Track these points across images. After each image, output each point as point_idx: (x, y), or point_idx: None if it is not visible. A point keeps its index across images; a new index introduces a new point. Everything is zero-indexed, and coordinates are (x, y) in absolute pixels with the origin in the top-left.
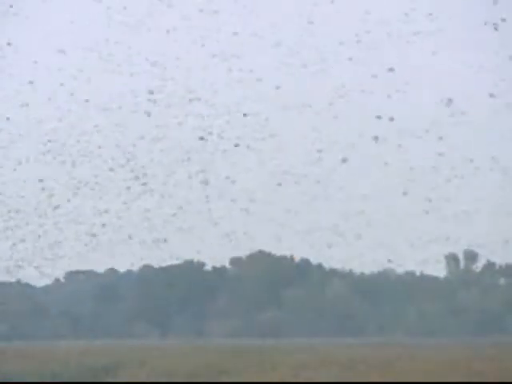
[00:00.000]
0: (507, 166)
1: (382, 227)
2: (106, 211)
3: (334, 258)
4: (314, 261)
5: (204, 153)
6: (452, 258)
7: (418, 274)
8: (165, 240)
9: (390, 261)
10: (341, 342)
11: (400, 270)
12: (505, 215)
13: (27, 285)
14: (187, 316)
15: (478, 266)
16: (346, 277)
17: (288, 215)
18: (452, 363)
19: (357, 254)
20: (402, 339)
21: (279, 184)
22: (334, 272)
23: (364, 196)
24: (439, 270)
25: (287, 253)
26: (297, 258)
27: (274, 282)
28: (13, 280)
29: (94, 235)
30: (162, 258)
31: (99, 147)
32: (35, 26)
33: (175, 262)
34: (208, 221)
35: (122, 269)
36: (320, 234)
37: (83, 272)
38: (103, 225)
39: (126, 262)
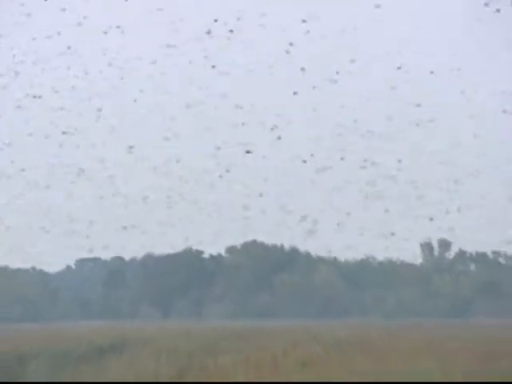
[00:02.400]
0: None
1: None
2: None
3: (320, 246)
4: (301, 249)
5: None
6: (427, 247)
7: (396, 261)
8: (166, 230)
9: (371, 249)
10: (327, 323)
11: (380, 258)
12: (476, 207)
13: (41, 271)
14: (187, 300)
15: (451, 253)
16: (332, 264)
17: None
18: (428, 342)
19: (341, 243)
20: (382, 320)
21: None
22: (320, 259)
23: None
24: (415, 258)
25: (278, 242)
26: (286, 247)
27: (266, 269)
28: (28, 267)
29: (102, 225)
30: (163, 247)
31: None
32: None
33: (176, 250)
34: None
35: (127, 257)
36: (307, 223)
37: (92, 259)
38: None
39: (131, 250)
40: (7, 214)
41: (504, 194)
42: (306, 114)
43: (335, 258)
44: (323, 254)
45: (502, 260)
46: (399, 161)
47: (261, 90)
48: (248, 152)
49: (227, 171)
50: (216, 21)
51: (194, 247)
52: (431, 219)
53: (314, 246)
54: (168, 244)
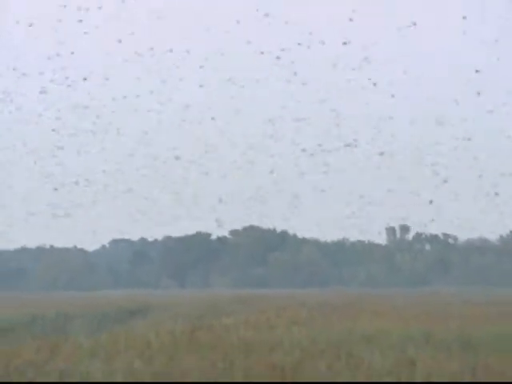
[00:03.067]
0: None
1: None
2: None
3: (305, 228)
4: (290, 231)
5: None
6: (391, 230)
7: (366, 242)
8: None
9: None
10: (311, 292)
11: (353, 239)
12: (429, 194)
13: (82, 249)
14: (199, 272)
15: (410, 236)
16: (315, 244)
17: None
18: (392, 307)
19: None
20: (355, 290)
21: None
22: (305, 240)
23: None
24: (381, 239)
25: (271, 226)
26: (278, 230)
27: (262, 248)
28: (71, 246)
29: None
30: (179, 231)
31: None
32: None
33: (189, 233)
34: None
35: (150, 238)
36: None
37: (122, 240)
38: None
39: (154, 233)
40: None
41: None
42: None
43: (317, 239)
44: (308, 236)
45: (451, 240)
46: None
47: None
48: None
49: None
50: None
51: (204, 230)
52: (396, 208)
53: (301, 230)
54: (183, 228)
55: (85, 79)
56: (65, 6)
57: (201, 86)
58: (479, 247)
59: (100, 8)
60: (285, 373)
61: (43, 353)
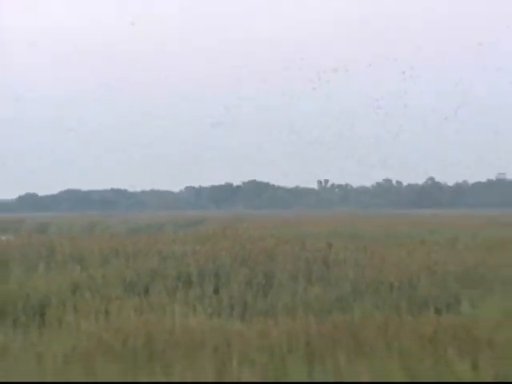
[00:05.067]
0: None
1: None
2: None
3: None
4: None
5: None
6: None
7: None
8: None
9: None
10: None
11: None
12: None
13: (167, 191)
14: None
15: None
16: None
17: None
18: (327, 219)
19: None
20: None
21: None
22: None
23: None
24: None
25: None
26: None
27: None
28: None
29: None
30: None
31: None
32: None
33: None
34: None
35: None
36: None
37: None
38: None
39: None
40: None
41: None
42: None
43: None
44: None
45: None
46: None
47: None
48: None
49: None
50: None
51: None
52: None
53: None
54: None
55: None
56: None
57: None
58: None
59: None
60: (268, 250)
61: (148, 241)
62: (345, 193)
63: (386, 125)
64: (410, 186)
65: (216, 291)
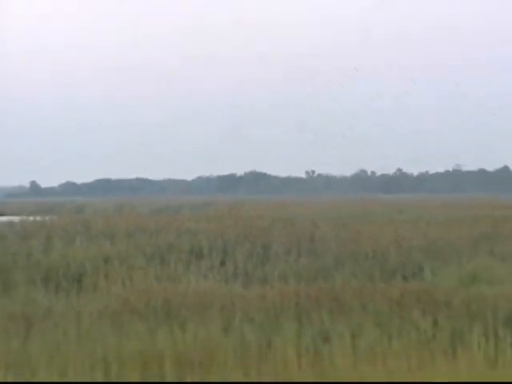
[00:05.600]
0: None
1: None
2: None
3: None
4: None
5: None
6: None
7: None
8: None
9: None
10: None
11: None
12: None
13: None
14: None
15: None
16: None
17: None
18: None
19: None
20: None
21: None
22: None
23: None
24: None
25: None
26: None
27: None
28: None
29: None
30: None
31: None
32: None
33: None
34: None
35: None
36: None
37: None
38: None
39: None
40: None
41: None
42: None
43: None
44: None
45: None
46: None
47: None
48: None
49: None
50: None
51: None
52: None
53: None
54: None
55: None
56: None
57: None
58: None
59: None
60: (265, 228)
61: (167, 220)
62: (328, 181)
63: (363, 125)
64: (382, 175)
65: (223, 262)
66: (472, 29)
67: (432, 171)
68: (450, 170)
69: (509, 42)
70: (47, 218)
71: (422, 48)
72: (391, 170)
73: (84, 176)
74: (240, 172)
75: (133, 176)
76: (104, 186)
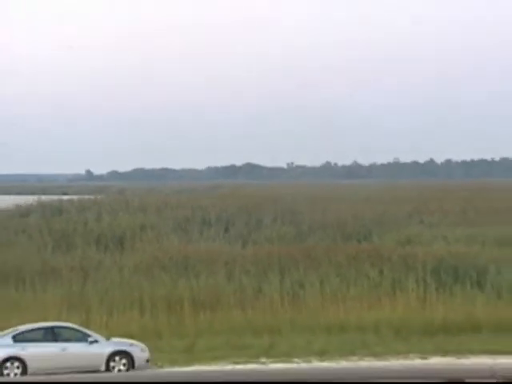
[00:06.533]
0: None
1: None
2: None
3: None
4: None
5: None
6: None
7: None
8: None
9: None
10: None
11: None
12: None
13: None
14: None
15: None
16: None
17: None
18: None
19: None
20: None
21: None
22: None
23: None
24: None
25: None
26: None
27: None
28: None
29: None
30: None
31: None
32: None
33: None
34: None
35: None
36: None
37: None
38: None
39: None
40: None
41: None
42: None
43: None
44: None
45: None
46: None
47: None
48: None
49: None
50: None
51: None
52: None
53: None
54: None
55: None
56: None
57: None
58: None
59: None
60: (258, 204)
61: (185, 198)
62: (304, 171)
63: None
64: (343, 166)
65: (226, 229)
66: None
67: (378, 163)
68: (391, 161)
69: None
70: (98, 197)
71: None
72: (349, 162)
73: (125, 166)
74: (239, 163)
75: (159, 166)
76: (139, 174)
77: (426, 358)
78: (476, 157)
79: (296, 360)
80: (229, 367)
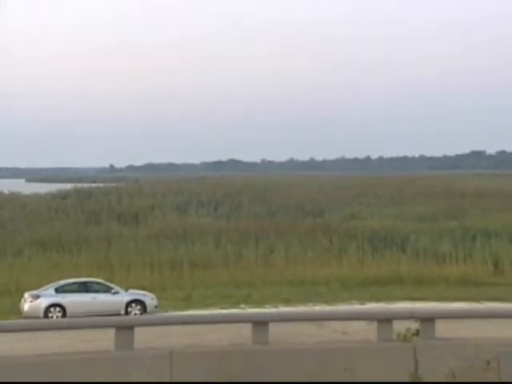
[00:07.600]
0: None
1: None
2: None
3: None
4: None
5: None
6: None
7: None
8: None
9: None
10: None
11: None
12: None
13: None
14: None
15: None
16: None
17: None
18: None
19: None
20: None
21: None
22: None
23: None
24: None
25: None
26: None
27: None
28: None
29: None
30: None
31: None
32: None
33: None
34: None
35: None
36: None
37: (189, 164)
38: None
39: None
40: None
41: None
42: None
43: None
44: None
45: None
46: None
47: None
48: None
49: None
50: None
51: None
52: None
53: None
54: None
55: None
56: None
57: None
58: None
59: None
60: (239, 190)
61: (184, 186)
62: (275, 165)
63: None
64: (302, 161)
65: (215, 209)
66: None
67: (328, 158)
68: (339, 157)
69: None
70: (119, 185)
71: None
72: (306, 158)
73: (138, 161)
74: (224, 159)
75: (166, 161)
76: (150, 168)
77: (363, 304)
78: (401, 154)
79: (267, 306)
80: (217, 311)
